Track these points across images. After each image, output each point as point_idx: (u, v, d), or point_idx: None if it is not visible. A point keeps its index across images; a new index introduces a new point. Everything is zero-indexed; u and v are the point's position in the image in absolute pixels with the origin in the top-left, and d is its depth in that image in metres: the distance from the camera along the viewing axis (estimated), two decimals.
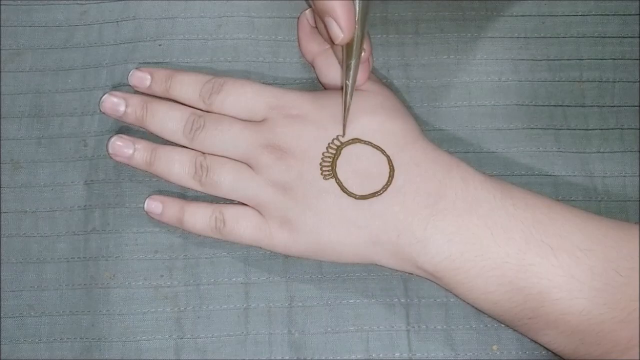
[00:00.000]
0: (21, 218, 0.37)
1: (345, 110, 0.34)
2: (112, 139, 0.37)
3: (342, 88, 0.34)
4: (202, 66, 0.39)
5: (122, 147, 0.37)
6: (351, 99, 0.33)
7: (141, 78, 0.37)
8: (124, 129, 0.38)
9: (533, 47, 0.39)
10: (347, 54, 0.33)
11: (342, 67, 0.34)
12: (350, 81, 0.33)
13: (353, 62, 0.33)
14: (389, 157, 0.34)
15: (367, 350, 0.35)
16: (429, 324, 0.36)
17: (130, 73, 0.38)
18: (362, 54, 0.33)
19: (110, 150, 0.37)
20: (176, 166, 0.36)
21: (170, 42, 0.39)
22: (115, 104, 0.37)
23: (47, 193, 0.38)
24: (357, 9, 0.32)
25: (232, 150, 0.35)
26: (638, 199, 0.37)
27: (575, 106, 0.39)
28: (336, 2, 0.31)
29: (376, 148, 0.34)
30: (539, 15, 0.40)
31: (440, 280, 0.34)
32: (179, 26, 0.40)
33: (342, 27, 0.31)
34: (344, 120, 0.34)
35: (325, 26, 0.32)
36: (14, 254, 0.37)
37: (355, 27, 0.32)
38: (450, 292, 0.34)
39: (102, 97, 0.37)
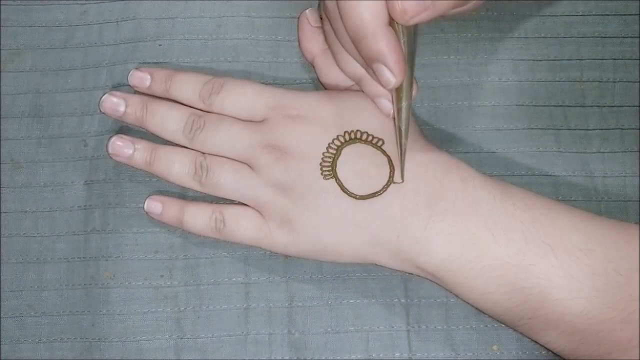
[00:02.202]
0: (21, 218, 0.37)
1: (402, 154, 0.33)
2: (112, 139, 0.37)
3: (395, 131, 0.33)
4: (202, 66, 0.39)
5: (122, 147, 0.37)
6: (407, 141, 0.32)
7: (141, 78, 0.37)
8: (124, 129, 0.38)
9: (533, 47, 0.39)
10: (397, 97, 0.32)
11: (393, 110, 0.33)
12: (404, 124, 0.32)
13: (404, 104, 0.32)
14: (389, 157, 0.34)
15: (367, 350, 0.35)
16: (429, 324, 0.36)
17: (130, 73, 0.38)
18: (413, 93, 0.32)
19: (110, 150, 0.37)
20: (176, 166, 0.36)
21: (170, 42, 0.39)
22: (115, 104, 0.37)
23: (47, 193, 0.38)
24: (405, 49, 0.31)
25: (231, 151, 0.35)
26: (638, 199, 0.37)
27: (576, 106, 0.39)
28: (385, 47, 0.29)
29: (376, 148, 0.34)
30: (539, 15, 0.40)
31: (440, 280, 0.34)
32: (179, 26, 0.40)
33: (394, 73, 0.30)
34: (401, 164, 0.33)
35: (375, 73, 0.31)
36: (14, 254, 0.37)
37: (406, 69, 0.31)
38: (451, 292, 0.34)
39: (102, 97, 0.37)
